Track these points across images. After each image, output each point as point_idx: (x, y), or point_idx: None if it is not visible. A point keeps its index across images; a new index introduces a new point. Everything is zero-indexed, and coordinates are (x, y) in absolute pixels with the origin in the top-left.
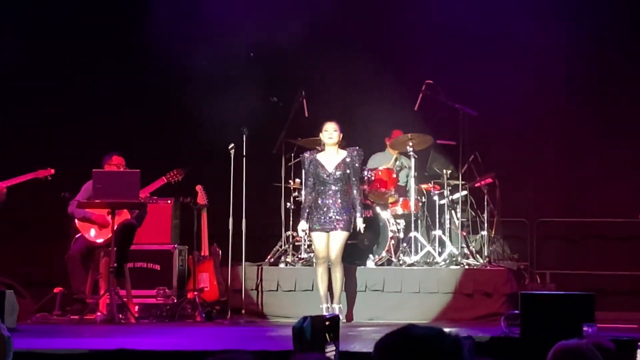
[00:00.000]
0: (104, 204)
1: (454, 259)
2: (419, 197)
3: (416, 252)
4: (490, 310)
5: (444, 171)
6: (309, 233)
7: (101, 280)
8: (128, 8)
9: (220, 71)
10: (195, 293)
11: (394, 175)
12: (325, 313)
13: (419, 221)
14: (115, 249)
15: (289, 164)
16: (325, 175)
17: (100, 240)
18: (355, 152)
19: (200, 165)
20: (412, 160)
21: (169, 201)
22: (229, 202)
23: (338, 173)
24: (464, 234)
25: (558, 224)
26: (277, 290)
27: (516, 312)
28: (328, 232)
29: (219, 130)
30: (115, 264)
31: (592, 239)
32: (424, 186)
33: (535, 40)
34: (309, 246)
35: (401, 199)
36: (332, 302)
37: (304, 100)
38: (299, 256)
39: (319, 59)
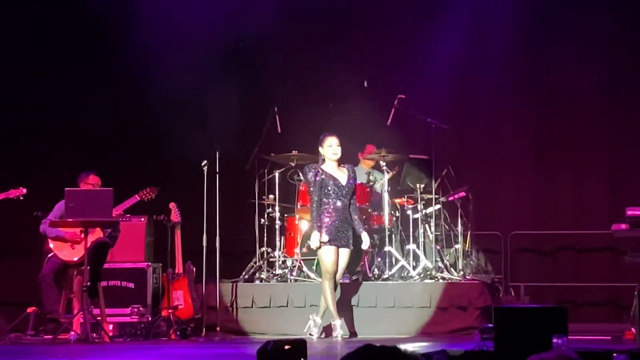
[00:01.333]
0: (76, 223)
1: (428, 273)
2: (392, 212)
3: (390, 267)
4: (464, 323)
5: (418, 185)
6: (325, 246)
7: (75, 300)
8: (99, 27)
9: (193, 87)
10: (170, 311)
11: (368, 190)
12: (339, 330)
13: (393, 235)
14: (88, 267)
15: (263, 180)
16: (338, 189)
17: (74, 259)
18: (352, 169)
19: (173, 183)
20: (385, 174)
21: (143, 219)
22: (202, 219)
23: (350, 188)
24: (438, 247)
25: (531, 236)
26: (251, 307)
27: (490, 325)
28: (338, 247)
29: (192, 147)
30: (88, 283)
31: (566, 251)
32: (397, 200)
33: (505, 55)
34: (284, 262)
35: (375, 213)
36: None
37: (277, 116)
38: (274, 272)
39: (291, 74)
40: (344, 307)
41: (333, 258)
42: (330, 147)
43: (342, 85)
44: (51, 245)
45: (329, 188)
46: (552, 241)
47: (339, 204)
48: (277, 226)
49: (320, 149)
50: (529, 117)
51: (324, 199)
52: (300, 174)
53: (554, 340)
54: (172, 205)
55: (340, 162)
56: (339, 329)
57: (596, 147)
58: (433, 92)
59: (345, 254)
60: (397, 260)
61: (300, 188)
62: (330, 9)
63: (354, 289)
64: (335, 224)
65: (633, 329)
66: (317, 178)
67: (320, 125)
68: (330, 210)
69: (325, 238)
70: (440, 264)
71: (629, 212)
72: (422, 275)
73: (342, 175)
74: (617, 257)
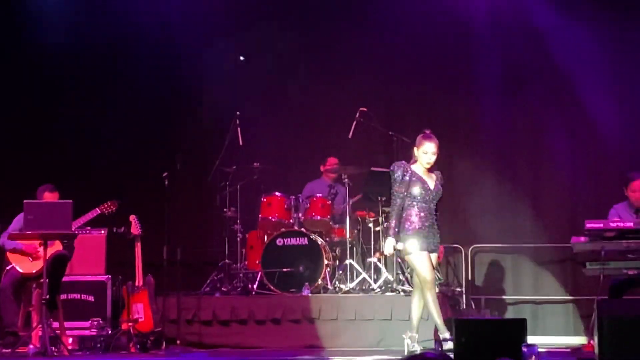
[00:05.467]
0: (35, 235)
1: (389, 285)
2: (354, 225)
3: (352, 279)
4: (425, 336)
5: (379, 198)
6: (417, 252)
7: (33, 313)
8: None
9: (153, 99)
10: (130, 324)
11: (329, 203)
12: (450, 345)
13: (354, 248)
14: (47, 280)
15: (224, 193)
16: (426, 192)
17: (33, 272)
18: (440, 175)
19: (134, 195)
20: (347, 187)
21: (103, 232)
22: (163, 232)
23: (437, 193)
24: (399, 260)
25: (492, 249)
26: (212, 320)
27: (450, 337)
28: (430, 252)
29: (153, 159)
30: (47, 296)
31: (526, 264)
32: (359, 213)
33: (470, 66)
34: (245, 275)
35: (336, 226)
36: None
37: (239, 128)
38: (235, 285)
39: (252, 86)
40: (305, 320)
41: (429, 264)
42: (425, 155)
43: (305, 97)
44: (9, 258)
45: (415, 188)
46: (513, 254)
47: (424, 205)
48: (238, 239)
49: (415, 149)
50: (489, 130)
51: (408, 202)
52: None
53: (524, 350)
54: (132, 217)
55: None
56: (450, 344)
57: (556, 160)
58: (395, 105)
59: (433, 259)
60: (358, 273)
61: (263, 200)
62: (294, 17)
63: (315, 301)
64: (426, 229)
65: (592, 341)
66: (406, 178)
67: (283, 136)
68: (415, 214)
69: (416, 244)
70: (401, 277)
71: (588, 225)
72: (383, 288)
73: (430, 179)
74: (576, 270)
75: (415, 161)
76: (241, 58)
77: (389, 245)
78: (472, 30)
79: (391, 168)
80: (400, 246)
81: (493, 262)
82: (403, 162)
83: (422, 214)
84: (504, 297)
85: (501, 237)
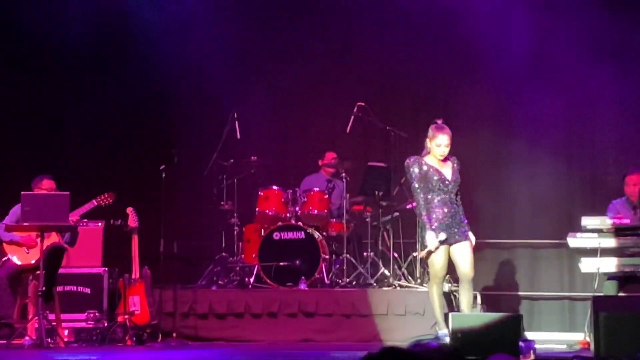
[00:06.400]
0: (32, 227)
1: (385, 280)
2: (351, 219)
3: (348, 274)
4: (422, 330)
5: (376, 193)
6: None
7: (30, 304)
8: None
9: (150, 91)
10: (126, 316)
11: (326, 197)
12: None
13: (351, 243)
14: (44, 272)
15: (221, 186)
16: (444, 183)
17: (30, 263)
18: (456, 159)
19: (131, 188)
20: (344, 182)
21: (100, 224)
22: (160, 224)
23: (455, 182)
24: (396, 255)
25: (488, 245)
26: (208, 313)
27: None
28: (451, 244)
29: (150, 151)
30: (44, 288)
31: (522, 259)
32: (356, 207)
33: (469, 62)
34: (241, 268)
35: (333, 220)
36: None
37: (236, 121)
38: (232, 278)
39: (250, 79)
40: (302, 314)
41: (441, 260)
42: (439, 148)
43: (303, 91)
44: (5, 249)
45: (433, 183)
46: (509, 250)
47: (445, 198)
48: (235, 232)
49: (427, 140)
50: (486, 126)
51: (429, 195)
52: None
53: (521, 345)
54: (129, 210)
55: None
56: (447, 340)
57: (553, 156)
58: (393, 100)
59: (463, 247)
60: (355, 268)
61: (260, 194)
62: (292, 13)
63: (311, 295)
64: (445, 221)
65: (587, 338)
66: (423, 171)
67: (281, 130)
68: (436, 205)
69: (443, 236)
70: (397, 272)
71: (584, 221)
72: (379, 282)
73: (445, 168)
74: (572, 267)
75: (428, 153)
76: None
77: (432, 240)
78: (472, 26)
79: (406, 164)
80: (442, 236)
81: (489, 258)
82: (417, 156)
83: (444, 206)
84: (499, 292)
85: (497, 233)
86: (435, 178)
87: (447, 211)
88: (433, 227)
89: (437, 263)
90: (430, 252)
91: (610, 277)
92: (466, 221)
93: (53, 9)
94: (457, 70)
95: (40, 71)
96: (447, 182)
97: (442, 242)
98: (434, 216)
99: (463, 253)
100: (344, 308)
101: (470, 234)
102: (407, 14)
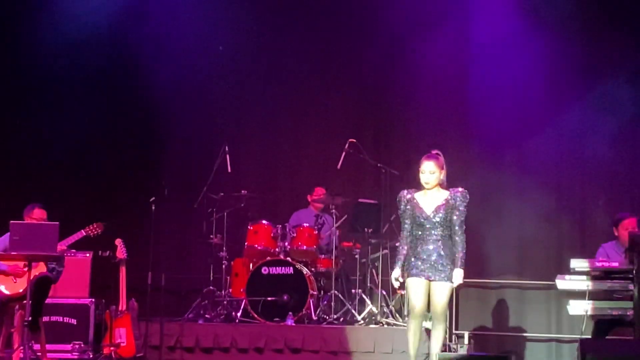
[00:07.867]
0: (20, 256)
1: (373, 317)
2: (339, 255)
3: (336, 310)
4: None
5: (366, 229)
6: (404, 280)
7: (15, 334)
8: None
9: (141, 122)
10: (112, 348)
11: (316, 233)
12: None
13: (340, 279)
14: (30, 302)
15: (211, 219)
16: (422, 218)
17: (19, 291)
18: (459, 193)
19: (120, 219)
20: (334, 217)
21: (88, 254)
22: (148, 256)
23: (438, 217)
24: (384, 292)
25: (476, 285)
26: (195, 347)
27: None
28: (430, 280)
29: (140, 183)
30: (30, 318)
31: (510, 300)
32: (345, 244)
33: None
34: (229, 302)
35: (322, 256)
36: None
37: (227, 155)
38: (219, 312)
39: (241, 113)
40: (288, 350)
41: (413, 295)
42: (422, 175)
43: (294, 126)
44: None
45: (414, 216)
46: (497, 290)
47: (420, 233)
48: (223, 266)
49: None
50: (475, 166)
51: (414, 230)
52: None
53: None
54: (118, 241)
55: (447, 187)
56: None
57: (543, 197)
58: (384, 136)
59: (439, 286)
60: (342, 304)
61: (250, 228)
62: (285, 46)
63: (298, 331)
64: (420, 256)
65: None
66: (403, 206)
67: (271, 165)
68: (415, 239)
69: (398, 273)
70: (385, 309)
71: (573, 264)
72: (367, 319)
73: (430, 202)
74: (560, 309)
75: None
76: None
77: (393, 275)
78: (466, 64)
79: (397, 199)
80: (396, 273)
81: (477, 298)
82: (407, 190)
83: (422, 242)
84: (487, 332)
85: (486, 273)
86: (412, 212)
87: (425, 247)
88: (396, 260)
89: (411, 298)
90: (395, 287)
91: (598, 320)
92: (460, 257)
93: (42, 40)
94: (449, 112)
95: (30, 99)
96: (422, 218)
97: (411, 274)
98: (404, 251)
99: (436, 292)
100: (330, 345)
101: (456, 273)
102: (402, 52)
